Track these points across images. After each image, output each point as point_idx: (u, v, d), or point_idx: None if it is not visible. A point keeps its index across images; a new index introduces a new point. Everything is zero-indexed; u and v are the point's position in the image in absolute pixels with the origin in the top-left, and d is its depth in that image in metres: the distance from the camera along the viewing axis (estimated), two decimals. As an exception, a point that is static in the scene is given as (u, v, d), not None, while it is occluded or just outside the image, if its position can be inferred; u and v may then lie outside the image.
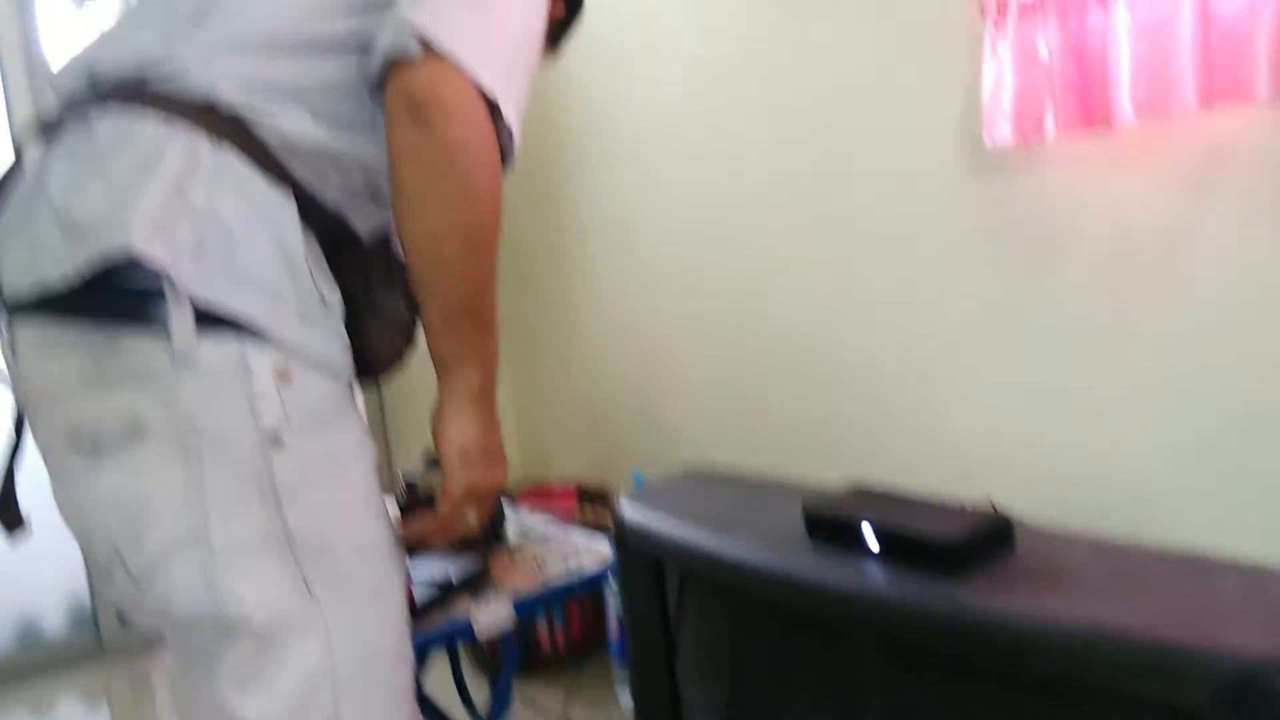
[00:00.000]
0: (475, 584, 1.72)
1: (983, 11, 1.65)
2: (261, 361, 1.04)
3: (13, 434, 1.18)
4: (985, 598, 1.18)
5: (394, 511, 2.03)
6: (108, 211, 1.01)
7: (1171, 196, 1.54)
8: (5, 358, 1.12)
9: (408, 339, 1.27)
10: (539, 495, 2.82)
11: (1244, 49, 1.36)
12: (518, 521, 2.10)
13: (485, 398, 1.20)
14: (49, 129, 1.18)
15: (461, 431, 1.18)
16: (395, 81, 1.08)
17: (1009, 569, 1.25)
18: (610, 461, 2.80)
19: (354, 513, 1.11)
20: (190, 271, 1.01)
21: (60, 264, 1.01)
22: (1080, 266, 1.66)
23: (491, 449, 1.20)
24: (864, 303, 2.03)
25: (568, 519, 2.53)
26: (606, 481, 2.81)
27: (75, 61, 1.20)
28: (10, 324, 1.10)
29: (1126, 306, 1.61)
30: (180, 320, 1.00)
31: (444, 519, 1.20)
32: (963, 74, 1.76)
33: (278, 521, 1.04)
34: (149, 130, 1.06)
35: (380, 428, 3.06)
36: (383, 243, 1.25)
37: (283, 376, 1.04)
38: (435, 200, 1.10)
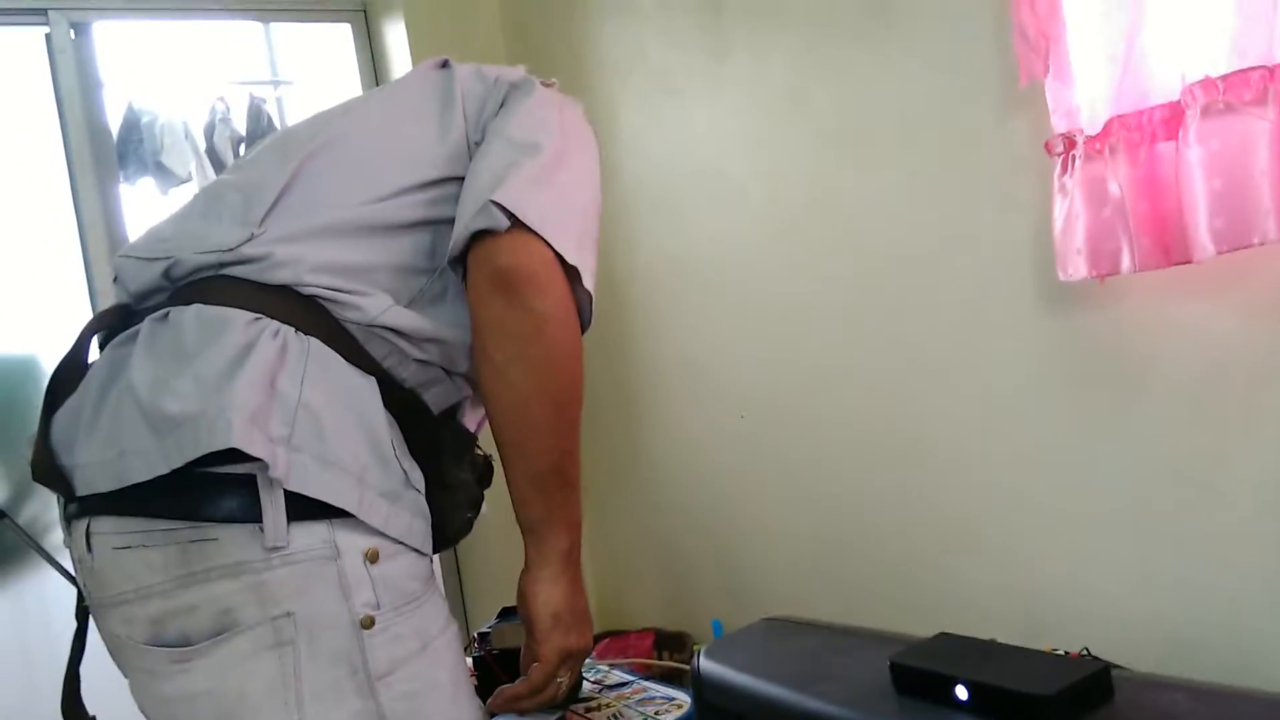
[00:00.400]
0: (552, 740, 1.68)
1: (1049, 150, 1.65)
2: (351, 544, 1.04)
3: (78, 633, 1.17)
4: (1086, 755, 1.12)
5: (467, 663, 1.99)
6: (204, 406, 1.01)
7: (1259, 326, 1.50)
8: (79, 553, 1.11)
9: (475, 511, 1.27)
10: (615, 643, 2.76)
11: (1324, 176, 1.34)
12: (593, 672, 2.05)
13: (572, 561, 1.20)
14: (111, 319, 1.19)
15: (553, 596, 1.18)
16: (481, 254, 1.11)
17: (1109, 722, 1.18)
18: (688, 612, 2.75)
19: (445, 690, 1.10)
20: (284, 462, 1.01)
21: (151, 461, 1.01)
22: (1165, 399, 1.62)
23: (579, 611, 1.21)
24: (940, 445, 2.00)
25: (644, 669, 2.46)
26: (685, 630, 2.75)
27: (142, 253, 1.21)
28: (82, 519, 1.09)
29: (1216, 440, 1.56)
30: (273, 512, 1.01)
31: (537, 684, 1.20)
32: (1032, 210, 1.75)
33: (372, 706, 1.04)
34: (236, 322, 1.08)
35: (457, 586, 3.05)
36: (450, 417, 1.26)
37: (371, 558, 1.05)
38: (524, 368, 1.11)
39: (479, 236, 1.11)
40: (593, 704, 1.87)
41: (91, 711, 1.20)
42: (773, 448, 2.41)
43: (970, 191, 1.88)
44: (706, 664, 1.62)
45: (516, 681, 1.20)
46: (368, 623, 1.03)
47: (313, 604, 1.02)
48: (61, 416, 1.13)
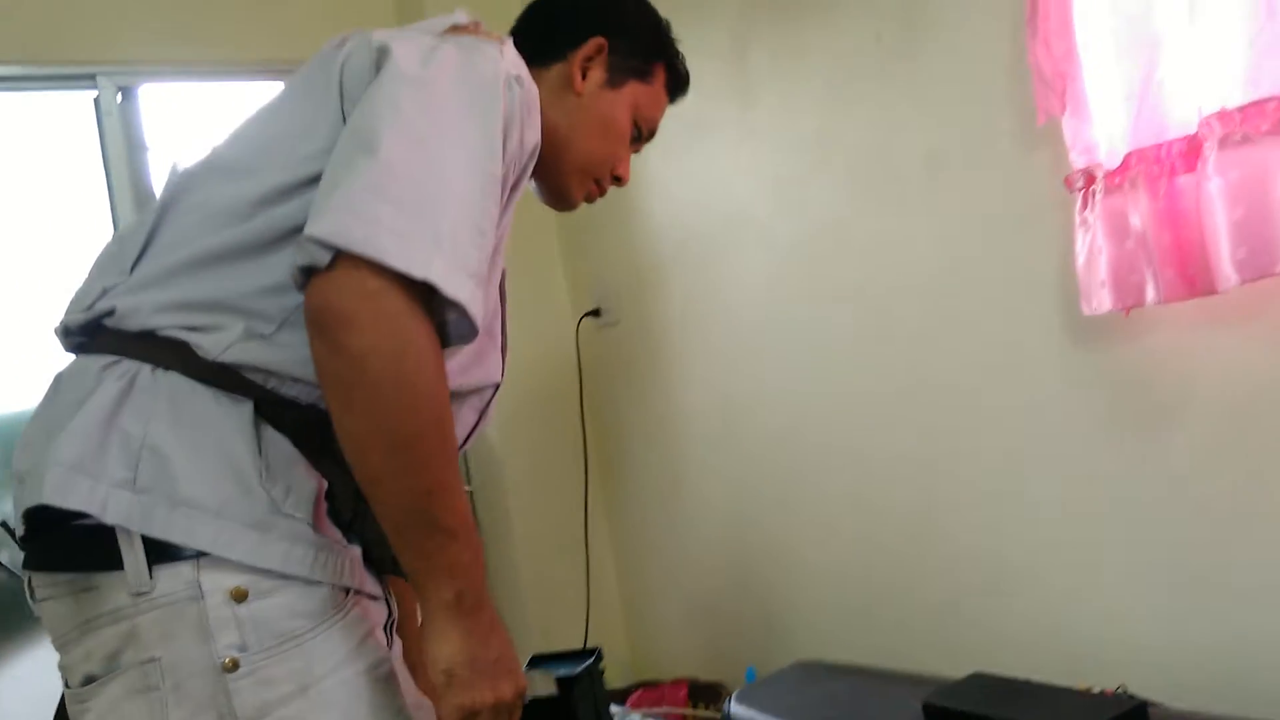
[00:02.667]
0: (584, 790, 1.67)
1: (1069, 185, 1.65)
2: (215, 583, 1.01)
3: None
4: (1124, 793, 1.10)
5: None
6: (38, 459, 1.04)
7: (1287, 357, 1.49)
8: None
9: None
10: (648, 694, 2.74)
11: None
12: (627, 722, 2.04)
13: (464, 610, 1.06)
14: None
15: (444, 651, 1.06)
16: (306, 294, 1.01)
17: (1148, 760, 1.17)
18: (724, 661, 2.72)
19: None
20: (128, 504, 1.00)
21: (13, 519, 1.06)
22: (1195, 434, 1.60)
23: (482, 663, 1.07)
24: (972, 484, 1.98)
25: (679, 719, 2.44)
26: (720, 679, 2.72)
27: (61, 320, 1.20)
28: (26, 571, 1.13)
29: (1249, 476, 1.54)
30: (131, 556, 1.00)
31: None
32: (1055, 246, 1.75)
33: None
34: (92, 368, 1.08)
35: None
36: None
37: (238, 597, 1.02)
38: (354, 415, 1.01)
39: (308, 272, 1.00)
40: (626, 753, 1.86)
41: None
42: (801, 494, 2.39)
43: (993, 229, 1.88)
44: (738, 709, 1.61)
45: None
46: (230, 666, 1.00)
47: (176, 648, 1.01)
48: None
